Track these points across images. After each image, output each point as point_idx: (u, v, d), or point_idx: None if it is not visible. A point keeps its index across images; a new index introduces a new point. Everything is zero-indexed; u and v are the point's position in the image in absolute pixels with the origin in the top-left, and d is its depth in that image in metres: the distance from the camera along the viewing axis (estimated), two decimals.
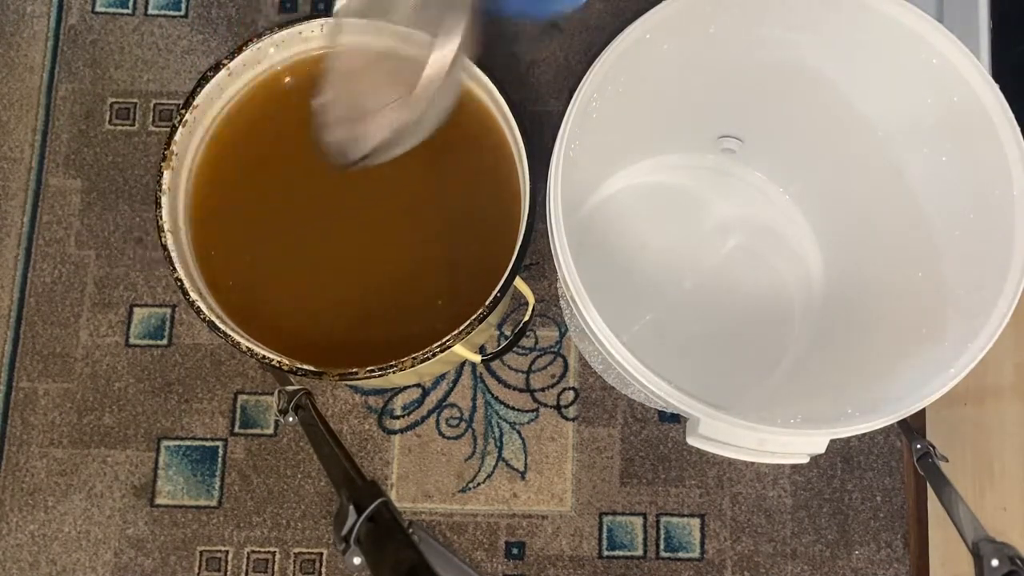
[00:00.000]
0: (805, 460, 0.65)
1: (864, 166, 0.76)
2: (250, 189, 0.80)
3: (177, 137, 0.75)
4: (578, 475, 0.96)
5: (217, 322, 0.71)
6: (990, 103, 0.67)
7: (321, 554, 0.95)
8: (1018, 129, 0.66)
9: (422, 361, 0.70)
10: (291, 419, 0.70)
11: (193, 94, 0.75)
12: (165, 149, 0.74)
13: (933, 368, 0.66)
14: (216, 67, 0.75)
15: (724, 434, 0.62)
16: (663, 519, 0.95)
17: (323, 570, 0.95)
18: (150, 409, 0.98)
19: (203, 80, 0.75)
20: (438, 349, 0.70)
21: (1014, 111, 0.67)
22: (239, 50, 0.76)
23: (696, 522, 0.95)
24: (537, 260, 1.01)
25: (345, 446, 0.62)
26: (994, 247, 0.67)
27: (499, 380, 0.98)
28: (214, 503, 0.96)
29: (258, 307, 0.77)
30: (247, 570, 0.95)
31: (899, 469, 0.96)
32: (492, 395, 0.98)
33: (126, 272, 1.01)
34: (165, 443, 0.97)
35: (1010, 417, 0.80)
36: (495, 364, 0.99)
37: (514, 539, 0.95)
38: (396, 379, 0.94)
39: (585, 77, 0.67)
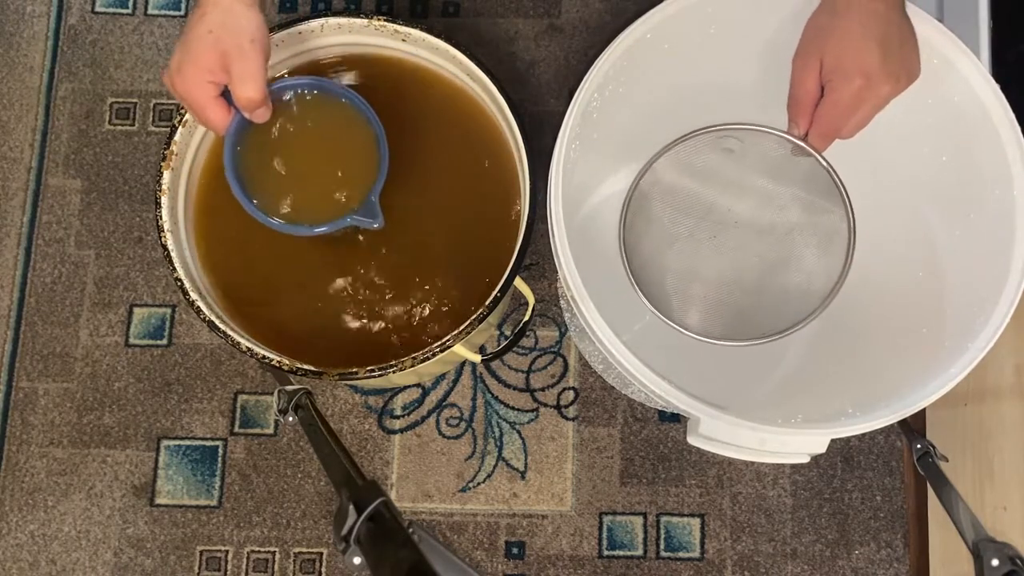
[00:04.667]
0: (806, 460, 0.65)
1: (864, 166, 0.76)
2: None
3: (177, 137, 0.74)
4: (578, 475, 0.96)
5: (217, 322, 0.71)
6: (990, 103, 0.67)
7: (321, 554, 0.95)
8: (1018, 129, 0.66)
9: (422, 361, 0.70)
10: (291, 419, 0.70)
11: None
12: (165, 149, 0.74)
13: (933, 368, 0.66)
14: None
15: (725, 434, 0.62)
16: (663, 519, 0.95)
17: (323, 570, 0.95)
18: (150, 409, 0.98)
19: None
20: (438, 349, 0.70)
21: (1014, 111, 0.67)
22: None
23: (696, 522, 0.95)
24: (537, 260, 1.01)
25: (345, 446, 0.62)
26: (994, 247, 0.67)
27: (499, 380, 0.98)
28: (214, 503, 0.96)
29: (258, 307, 0.77)
30: (247, 570, 0.95)
31: (899, 469, 0.96)
32: (492, 395, 0.98)
33: (126, 272, 1.01)
34: (165, 443, 0.97)
35: (1010, 417, 0.80)
36: (495, 364, 0.99)
37: (514, 539, 0.95)
38: (396, 379, 0.94)
39: (585, 77, 0.67)
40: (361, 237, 0.78)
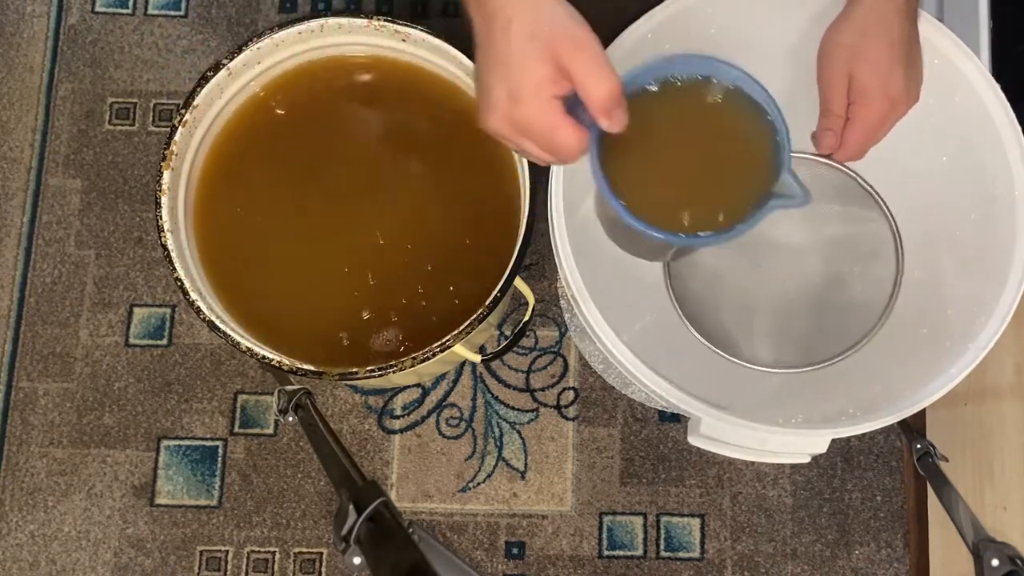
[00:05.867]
0: (807, 459, 0.65)
1: (865, 166, 0.76)
2: (250, 189, 0.80)
3: (177, 137, 0.74)
4: (578, 475, 0.96)
5: (217, 322, 0.71)
6: (991, 103, 0.67)
7: (321, 554, 0.95)
8: (1019, 129, 0.66)
9: (422, 361, 0.70)
10: (291, 419, 0.70)
11: (193, 94, 0.75)
12: (165, 149, 0.74)
13: (934, 368, 0.66)
14: (216, 67, 0.75)
15: (726, 434, 0.62)
16: (663, 519, 0.95)
17: (323, 570, 0.95)
18: (150, 409, 0.98)
19: (203, 80, 0.75)
20: (438, 349, 0.70)
21: (1015, 111, 0.67)
22: (239, 50, 0.76)
23: (696, 522, 0.95)
24: (537, 260, 1.01)
25: (345, 446, 0.62)
26: (995, 247, 0.67)
27: (499, 380, 0.98)
28: (214, 503, 0.96)
29: (258, 307, 0.77)
30: (247, 570, 0.95)
31: (899, 469, 0.96)
32: (492, 395, 0.98)
33: (126, 272, 1.01)
34: (165, 443, 0.97)
35: (1010, 417, 0.80)
36: (495, 364, 0.99)
37: (514, 539, 0.95)
38: (396, 379, 0.94)
39: None
40: (361, 237, 0.78)
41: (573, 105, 0.52)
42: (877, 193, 0.71)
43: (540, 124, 0.51)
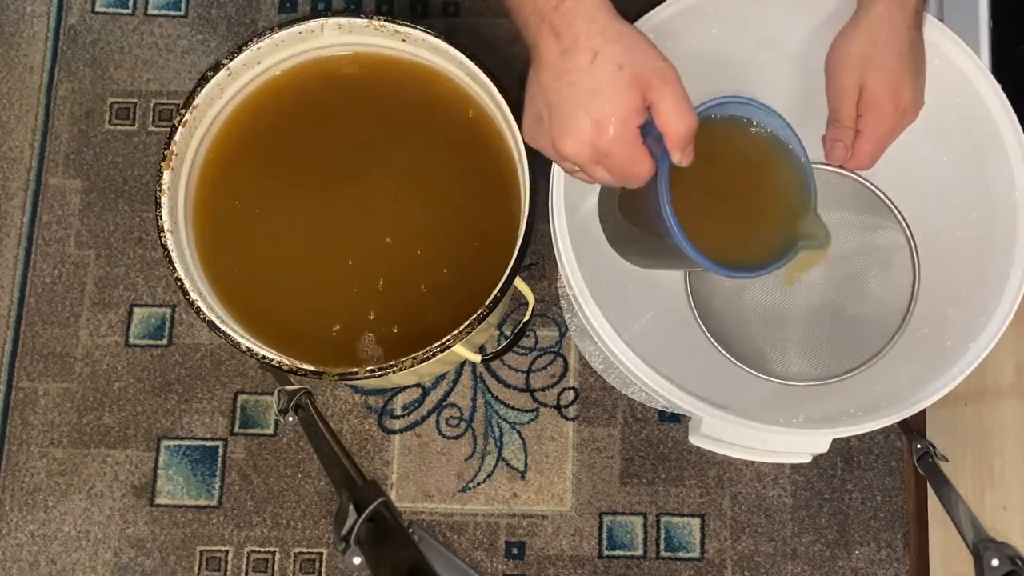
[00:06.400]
0: (808, 459, 0.65)
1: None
2: (250, 189, 0.80)
3: (177, 137, 0.74)
4: (578, 475, 0.96)
5: (217, 322, 0.71)
6: (992, 103, 0.67)
7: (321, 554, 0.95)
8: (1020, 129, 0.66)
9: (422, 361, 0.70)
10: (291, 419, 0.70)
11: (193, 94, 0.75)
12: (165, 149, 0.74)
13: (934, 368, 0.66)
14: (216, 67, 0.75)
15: (727, 433, 0.62)
16: (663, 519, 0.95)
17: (323, 570, 0.95)
18: (150, 409, 0.98)
19: (203, 80, 0.75)
20: (438, 349, 0.70)
21: (1016, 111, 0.67)
22: (239, 50, 0.76)
23: (696, 522, 0.95)
24: (537, 260, 1.01)
25: (345, 446, 0.62)
26: (996, 247, 0.67)
27: (499, 380, 0.98)
28: (214, 503, 0.96)
29: (258, 306, 0.77)
30: (247, 570, 0.94)
31: (899, 469, 0.96)
32: (492, 395, 0.98)
33: (126, 272, 1.01)
34: (165, 443, 0.97)
35: (1010, 417, 0.80)
36: (495, 364, 0.99)
37: (514, 539, 0.95)
38: (396, 379, 0.94)
39: None
40: (361, 238, 0.78)
41: (644, 134, 0.53)
42: (891, 200, 0.72)
43: (623, 154, 0.52)
